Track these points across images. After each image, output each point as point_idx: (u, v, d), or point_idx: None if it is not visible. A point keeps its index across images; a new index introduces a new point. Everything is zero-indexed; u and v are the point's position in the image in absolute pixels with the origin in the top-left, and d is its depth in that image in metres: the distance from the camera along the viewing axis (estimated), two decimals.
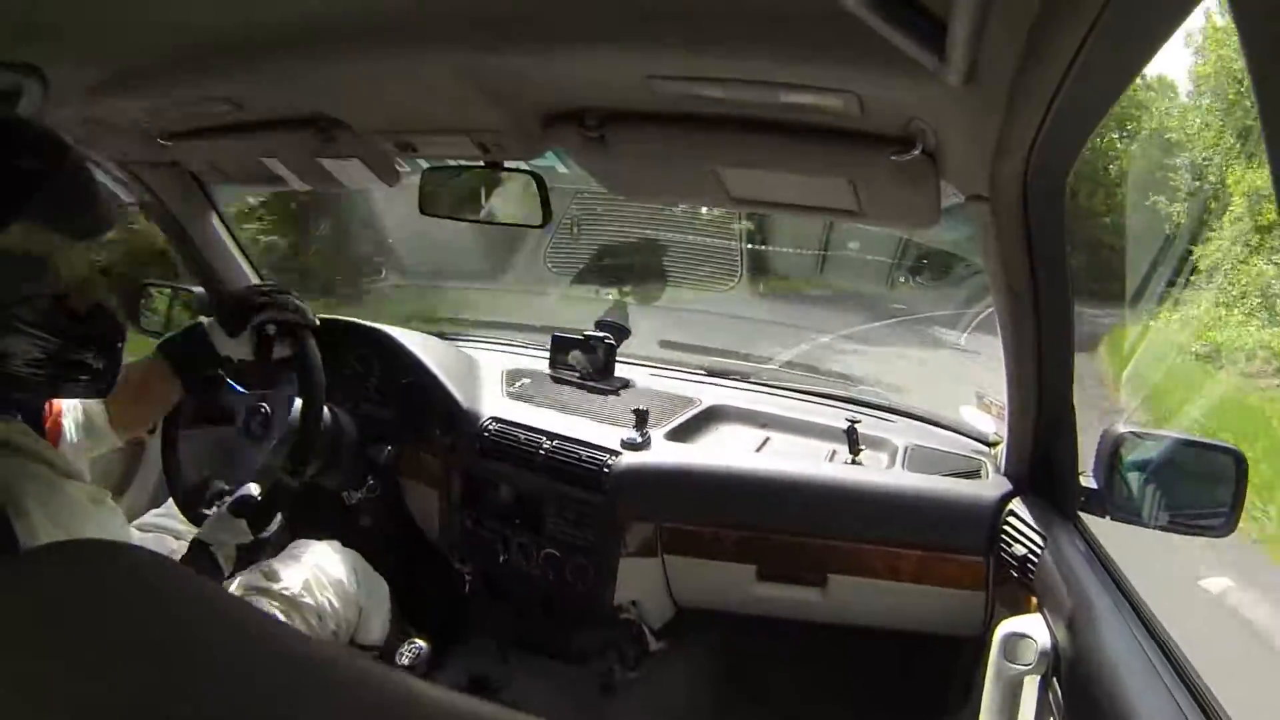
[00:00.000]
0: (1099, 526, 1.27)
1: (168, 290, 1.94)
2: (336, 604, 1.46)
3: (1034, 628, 1.14)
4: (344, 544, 1.63)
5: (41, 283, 0.86)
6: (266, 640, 0.40)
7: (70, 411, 1.18)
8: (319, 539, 1.60)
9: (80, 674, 0.36)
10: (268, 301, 1.29)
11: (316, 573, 1.46)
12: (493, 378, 1.96)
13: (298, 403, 1.39)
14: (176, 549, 1.38)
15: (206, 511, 1.32)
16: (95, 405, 1.21)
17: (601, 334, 1.96)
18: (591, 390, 1.92)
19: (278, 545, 1.35)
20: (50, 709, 0.35)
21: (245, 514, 1.27)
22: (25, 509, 0.81)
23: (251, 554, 1.28)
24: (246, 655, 0.38)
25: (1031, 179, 0.90)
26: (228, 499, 1.31)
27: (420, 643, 1.72)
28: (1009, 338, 1.22)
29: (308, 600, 1.41)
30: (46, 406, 1.13)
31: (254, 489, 1.31)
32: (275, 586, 1.40)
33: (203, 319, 1.28)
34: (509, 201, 1.37)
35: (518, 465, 1.72)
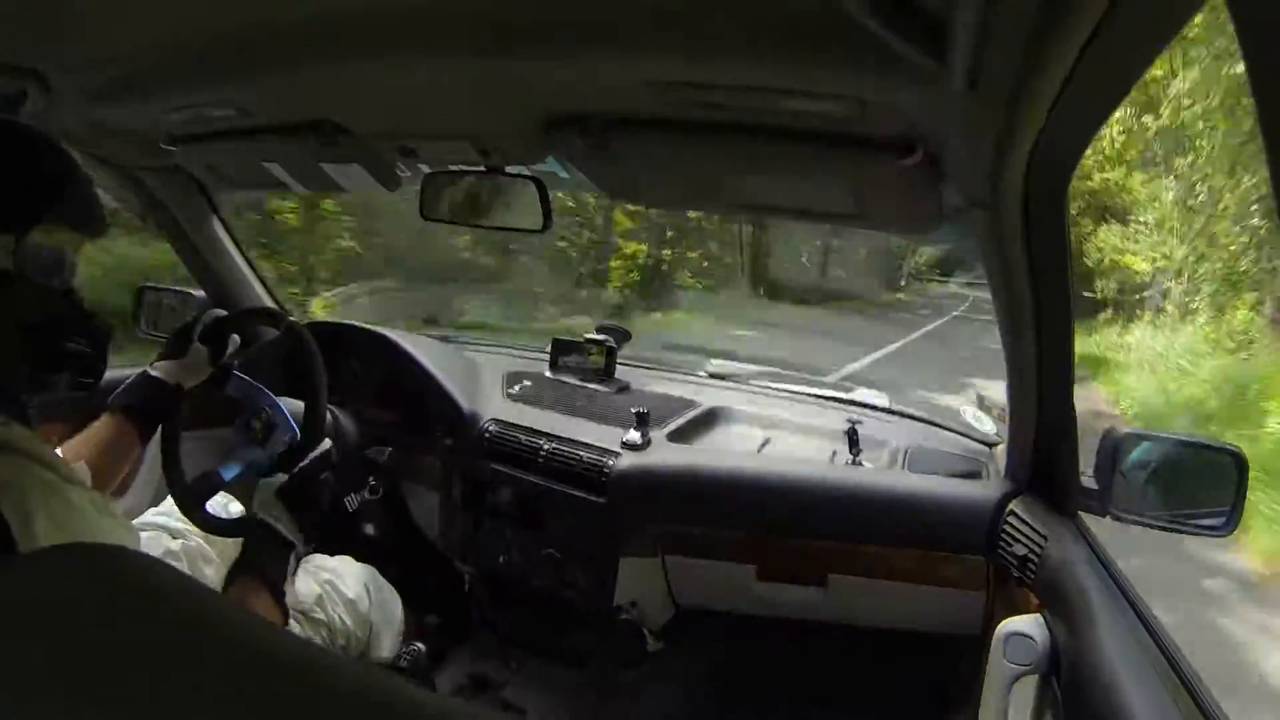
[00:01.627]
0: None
1: (167, 293, 1.94)
2: (348, 620, 1.47)
3: (1034, 628, 1.15)
4: (345, 547, 1.63)
5: (60, 276, 0.90)
6: (266, 646, 0.40)
7: None
8: (323, 546, 1.60)
9: (79, 678, 0.36)
10: (199, 314, 1.30)
11: (329, 589, 1.47)
12: (493, 380, 1.97)
13: (299, 404, 1.39)
14: (174, 548, 1.38)
15: (211, 511, 1.32)
16: None
17: (602, 336, 1.97)
18: (592, 392, 1.93)
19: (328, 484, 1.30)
20: (49, 713, 0.36)
21: (276, 468, 1.24)
22: (28, 513, 0.80)
23: (306, 503, 1.21)
24: (245, 660, 0.39)
25: (1033, 183, 0.91)
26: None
27: (419, 645, 1.73)
28: (1010, 340, 1.22)
29: (319, 615, 1.42)
30: None
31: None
32: (288, 599, 1.40)
33: (148, 368, 1.26)
34: (510, 207, 1.38)
35: (518, 467, 1.73)
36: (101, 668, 0.37)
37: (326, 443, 1.28)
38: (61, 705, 0.36)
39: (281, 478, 1.20)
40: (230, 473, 1.34)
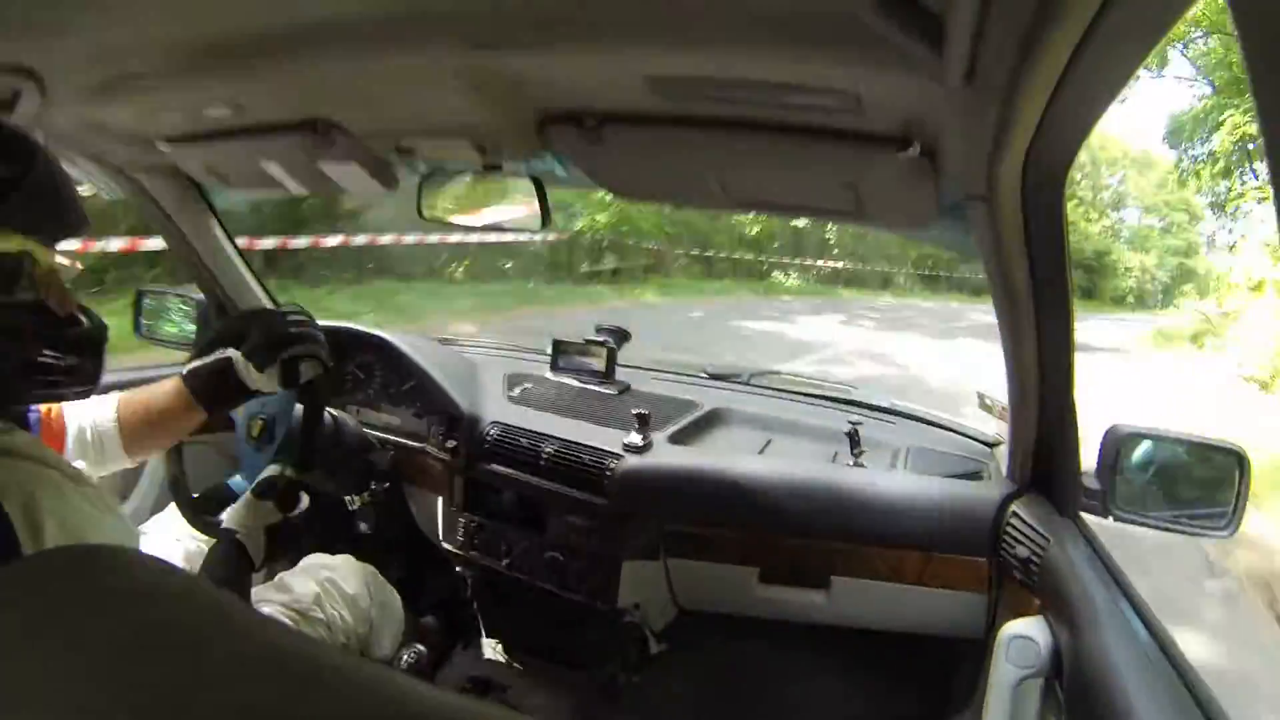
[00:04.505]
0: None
1: (165, 296, 1.94)
2: (348, 617, 1.46)
3: (1036, 629, 1.14)
4: (347, 549, 1.63)
5: (18, 287, 0.85)
6: (270, 644, 0.40)
7: (76, 433, 1.17)
8: (323, 546, 1.60)
9: (83, 679, 0.36)
10: (297, 336, 1.25)
11: (328, 586, 1.47)
12: (494, 382, 1.96)
13: (300, 408, 1.39)
14: (178, 553, 1.38)
15: (215, 518, 1.32)
16: (109, 425, 1.20)
17: (602, 338, 1.96)
18: (593, 394, 1.92)
19: (306, 532, 1.31)
20: (54, 715, 0.35)
21: (270, 496, 1.25)
22: (36, 519, 0.80)
23: (283, 541, 1.24)
24: (250, 659, 0.38)
25: (1030, 177, 0.90)
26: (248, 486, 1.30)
27: (420, 648, 1.72)
28: (1009, 337, 1.21)
29: (318, 613, 1.41)
30: (47, 419, 1.12)
31: (275, 469, 1.30)
32: (286, 598, 1.40)
33: (230, 352, 1.21)
34: (508, 205, 1.37)
35: (520, 469, 1.72)
36: (109, 669, 0.36)
37: (305, 501, 1.30)
38: (69, 707, 0.35)
39: (271, 512, 1.24)
40: (239, 485, 1.35)
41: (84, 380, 0.93)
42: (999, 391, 1.44)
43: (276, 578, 1.47)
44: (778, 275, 17.77)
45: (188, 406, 1.21)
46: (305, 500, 1.29)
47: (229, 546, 1.19)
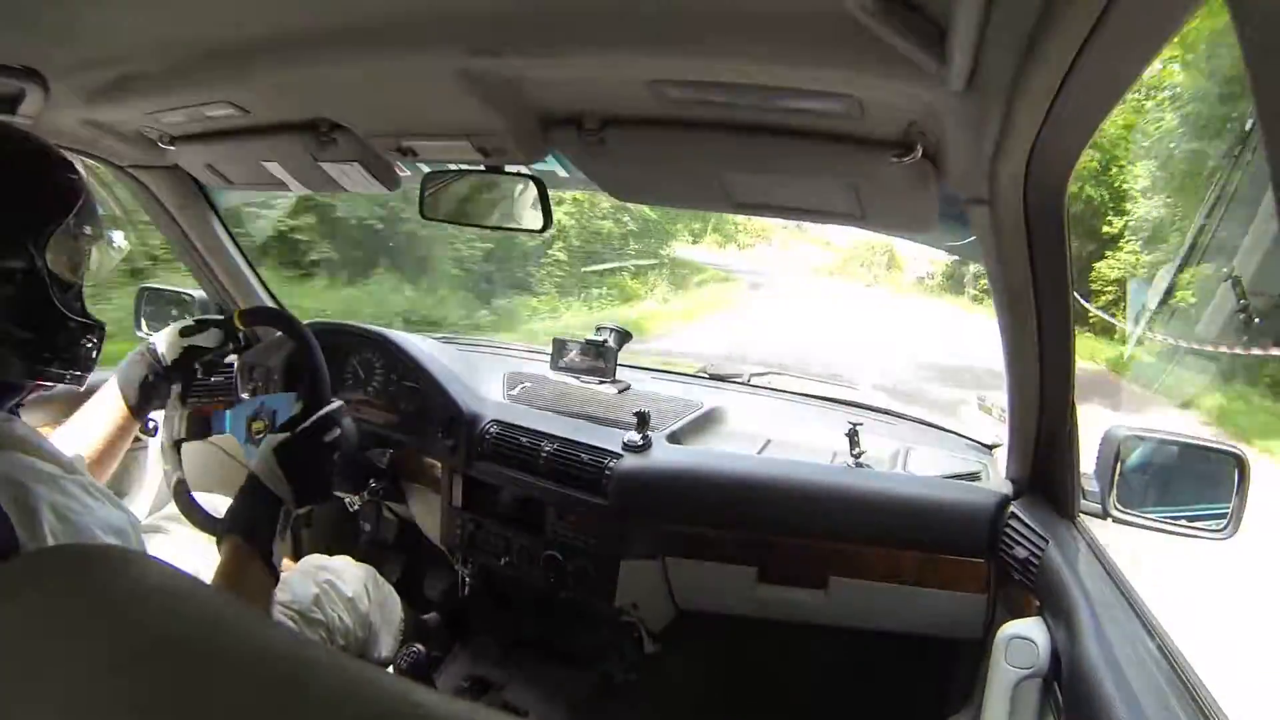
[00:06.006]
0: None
1: (166, 293, 1.94)
2: (347, 619, 1.47)
3: (1035, 630, 1.15)
4: (345, 548, 1.63)
5: (77, 274, 0.96)
6: (267, 644, 0.40)
7: None
8: (322, 545, 1.60)
9: (81, 679, 0.36)
10: (146, 362, 1.28)
11: (328, 588, 1.47)
12: (494, 380, 1.96)
13: (299, 403, 1.39)
14: (177, 552, 1.38)
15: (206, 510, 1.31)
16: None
17: (602, 337, 1.96)
18: (593, 393, 1.92)
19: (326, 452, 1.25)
20: (51, 714, 0.35)
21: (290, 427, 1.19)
22: (31, 508, 0.81)
23: (298, 457, 1.16)
24: (246, 659, 0.38)
25: (1031, 182, 0.91)
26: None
27: (419, 646, 1.73)
28: (1009, 340, 1.22)
29: (318, 615, 1.42)
30: None
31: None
32: (286, 599, 1.40)
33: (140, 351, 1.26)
34: (509, 206, 1.37)
35: (519, 468, 1.72)
36: (107, 670, 0.37)
37: (336, 401, 1.25)
38: (67, 708, 0.36)
39: (280, 435, 1.16)
40: (224, 422, 1.34)
41: (85, 366, 0.99)
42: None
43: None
44: None
45: (124, 420, 1.24)
46: (335, 404, 1.25)
47: (246, 483, 1.13)
